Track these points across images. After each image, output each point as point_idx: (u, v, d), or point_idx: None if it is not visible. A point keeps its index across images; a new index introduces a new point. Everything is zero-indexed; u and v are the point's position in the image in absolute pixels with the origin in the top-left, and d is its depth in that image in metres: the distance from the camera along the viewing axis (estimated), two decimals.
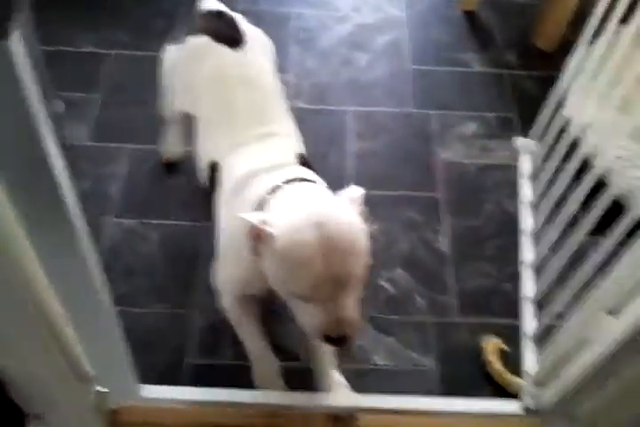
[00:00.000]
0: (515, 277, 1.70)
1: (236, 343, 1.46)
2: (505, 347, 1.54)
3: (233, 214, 1.15)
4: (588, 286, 1.23)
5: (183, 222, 1.78)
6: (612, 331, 1.07)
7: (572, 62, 1.70)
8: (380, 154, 1.98)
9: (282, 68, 2.19)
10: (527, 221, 1.77)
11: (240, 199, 1.23)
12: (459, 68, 2.25)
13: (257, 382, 1.39)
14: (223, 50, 1.46)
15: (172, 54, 1.64)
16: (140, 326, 1.59)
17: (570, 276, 1.37)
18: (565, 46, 2.20)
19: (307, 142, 2.12)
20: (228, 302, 1.39)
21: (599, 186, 1.39)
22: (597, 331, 1.14)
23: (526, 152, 1.94)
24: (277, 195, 1.13)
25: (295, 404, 1.38)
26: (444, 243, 1.77)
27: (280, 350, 1.47)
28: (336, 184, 1.83)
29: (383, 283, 1.69)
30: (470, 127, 2.06)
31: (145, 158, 1.93)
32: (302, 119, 2.06)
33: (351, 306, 1.06)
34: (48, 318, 0.97)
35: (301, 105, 2.09)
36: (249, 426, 1.38)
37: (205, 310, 1.62)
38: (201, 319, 1.61)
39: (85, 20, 2.29)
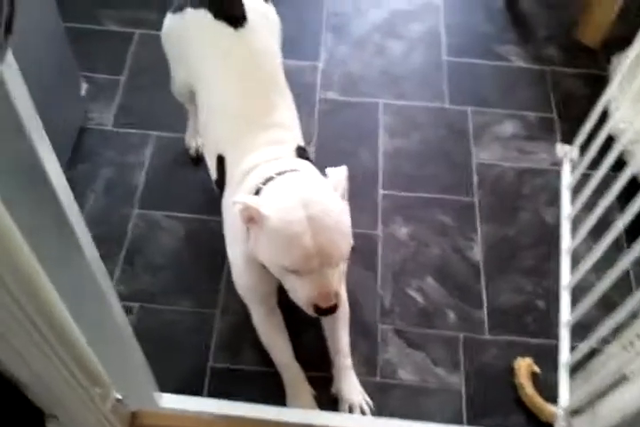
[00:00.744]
0: (549, 294, 1.63)
1: (258, 346, 1.47)
2: (537, 369, 1.48)
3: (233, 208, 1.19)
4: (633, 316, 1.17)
5: (209, 218, 1.71)
6: None
7: (624, 64, 1.56)
8: (412, 152, 1.90)
9: (312, 54, 2.11)
10: (569, 239, 1.68)
11: (239, 191, 1.27)
12: (497, 62, 2.13)
13: (289, 398, 1.42)
14: (222, 29, 1.36)
15: (171, 23, 1.48)
16: (158, 324, 1.56)
17: (612, 301, 1.30)
18: (612, 43, 2.10)
19: (336, 138, 2.04)
20: (256, 315, 1.42)
21: None
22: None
23: (569, 160, 1.83)
24: (269, 184, 1.20)
25: (316, 423, 1.35)
26: (477, 252, 1.70)
27: (304, 362, 1.45)
28: (369, 185, 1.76)
29: (412, 293, 1.63)
30: (509, 127, 1.96)
31: (170, 147, 1.86)
32: (331, 111, 1.99)
33: (336, 279, 1.17)
34: (54, 326, 0.94)
35: (331, 96, 2.01)
36: None
37: (227, 310, 1.58)
38: (223, 320, 1.57)
39: None
